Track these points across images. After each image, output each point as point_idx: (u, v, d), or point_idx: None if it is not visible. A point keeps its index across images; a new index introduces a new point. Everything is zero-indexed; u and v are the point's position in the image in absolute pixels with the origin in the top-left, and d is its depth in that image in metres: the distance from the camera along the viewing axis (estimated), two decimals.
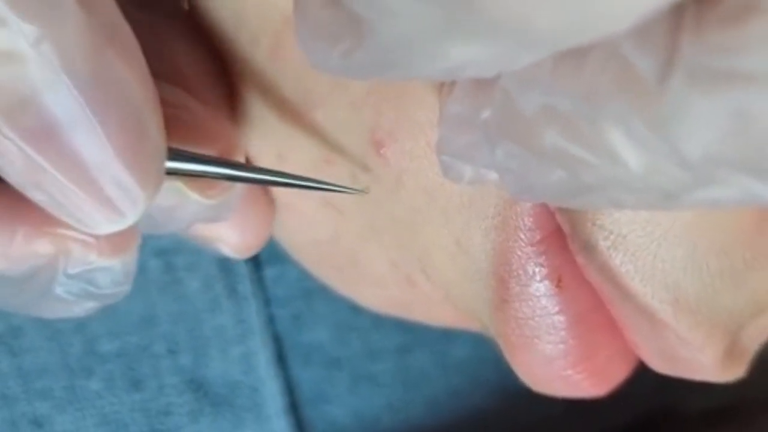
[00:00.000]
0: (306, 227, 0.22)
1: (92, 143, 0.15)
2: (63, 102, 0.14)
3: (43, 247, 0.17)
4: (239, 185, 0.19)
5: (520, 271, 0.19)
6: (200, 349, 0.28)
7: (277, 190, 0.22)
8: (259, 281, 0.28)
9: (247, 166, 0.19)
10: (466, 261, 0.20)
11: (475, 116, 0.14)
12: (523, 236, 0.18)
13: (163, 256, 0.27)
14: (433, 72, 0.13)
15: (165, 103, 0.16)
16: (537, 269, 0.19)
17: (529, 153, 0.13)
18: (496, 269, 0.19)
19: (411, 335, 0.29)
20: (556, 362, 0.19)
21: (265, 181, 0.18)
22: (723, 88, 0.11)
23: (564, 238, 0.18)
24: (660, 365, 0.19)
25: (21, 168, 0.15)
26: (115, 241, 0.17)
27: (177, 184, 0.18)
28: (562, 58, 0.12)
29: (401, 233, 0.20)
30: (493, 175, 0.16)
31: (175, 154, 0.17)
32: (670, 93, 0.11)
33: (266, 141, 0.21)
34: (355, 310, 0.29)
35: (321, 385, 0.29)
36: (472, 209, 0.19)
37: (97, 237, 0.17)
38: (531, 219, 0.18)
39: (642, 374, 0.21)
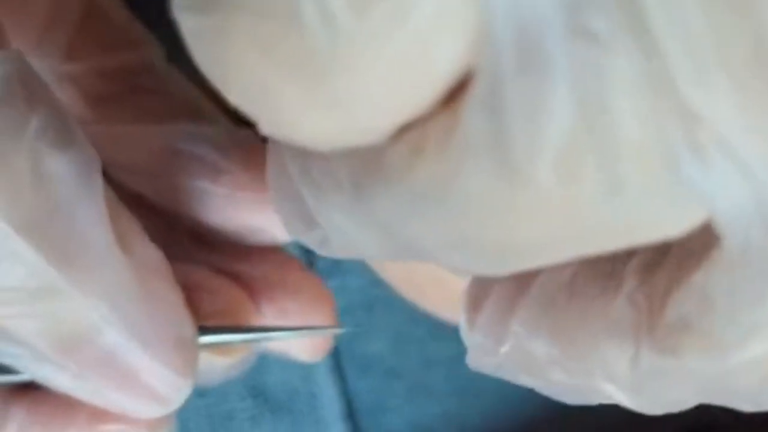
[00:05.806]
0: None
1: (139, 359, 0.17)
2: (113, 338, 0.16)
3: None
4: None
5: None
6: (261, 357, 0.29)
7: None
8: None
9: (260, 327, 0.21)
10: None
11: (496, 348, 0.16)
12: None
13: None
14: None
15: (197, 288, 0.19)
16: None
17: (541, 383, 0.16)
18: None
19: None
20: None
21: (275, 337, 0.21)
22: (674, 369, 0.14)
23: None
24: None
25: (75, 385, 0.17)
26: (153, 423, 0.19)
27: (204, 354, 0.20)
28: (543, 311, 0.15)
29: None
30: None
31: (202, 331, 0.19)
32: (641, 367, 0.14)
33: None
34: (413, 321, 0.29)
35: (379, 394, 0.30)
36: None
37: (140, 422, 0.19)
38: None
39: None
